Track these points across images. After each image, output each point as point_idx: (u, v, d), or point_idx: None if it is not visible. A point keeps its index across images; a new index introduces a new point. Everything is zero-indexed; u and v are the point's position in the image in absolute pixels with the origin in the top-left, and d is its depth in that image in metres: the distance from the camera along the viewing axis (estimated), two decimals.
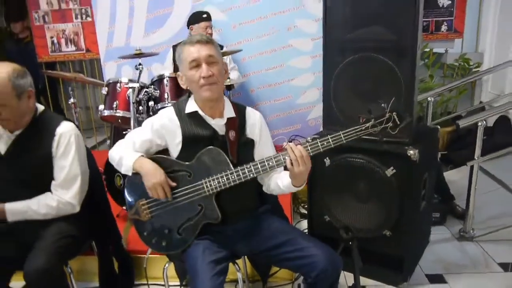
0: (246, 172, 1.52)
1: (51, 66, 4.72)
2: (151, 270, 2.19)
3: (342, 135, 1.45)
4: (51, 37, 4.37)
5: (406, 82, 1.94)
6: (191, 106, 1.63)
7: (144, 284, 2.18)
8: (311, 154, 1.47)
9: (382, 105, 1.46)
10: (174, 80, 2.74)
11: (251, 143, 1.68)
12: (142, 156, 1.62)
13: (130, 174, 1.65)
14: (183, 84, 1.63)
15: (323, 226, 2.27)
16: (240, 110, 1.69)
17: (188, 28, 3.33)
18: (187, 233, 1.62)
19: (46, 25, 4.32)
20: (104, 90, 2.75)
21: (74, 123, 1.85)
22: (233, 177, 1.53)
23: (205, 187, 1.56)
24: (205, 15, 3.21)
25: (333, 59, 2.10)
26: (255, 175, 1.52)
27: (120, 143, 1.72)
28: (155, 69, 3.88)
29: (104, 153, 2.18)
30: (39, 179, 1.73)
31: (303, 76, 3.87)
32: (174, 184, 1.60)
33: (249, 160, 1.59)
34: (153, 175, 1.56)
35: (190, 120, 1.62)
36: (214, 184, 1.55)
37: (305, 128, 3.96)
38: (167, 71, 2.94)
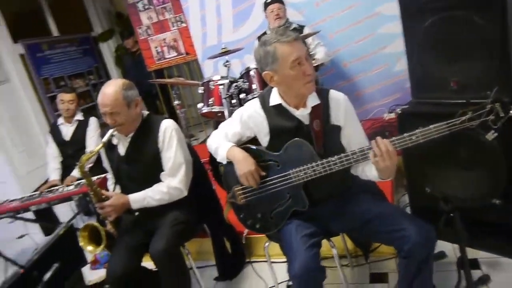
0: (332, 164, 1.56)
1: (160, 72, 5.28)
2: (256, 249, 2.37)
3: (433, 129, 1.40)
4: (155, 47, 4.88)
5: (496, 42, 1.74)
6: (274, 98, 1.68)
7: (249, 262, 2.37)
8: (398, 149, 1.45)
9: (487, 92, 1.33)
10: (259, 71, 2.86)
11: (337, 129, 1.66)
12: (234, 146, 1.77)
13: (225, 162, 1.81)
14: (272, 83, 1.62)
15: (424, 199, 2.18)
16: (323, 95, 1.67)
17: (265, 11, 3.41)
18: (277, 217, 1.73)
19: (149, 37, 4.85)
20: (201, 89, 3.01)
21: (180, 122, 2.11)
22: (318, 169, 1.58)
23: (292, 177, 1.64)
24: (271, 1, 3.27)
25: (413, 21, 1.98)
26: (340, 167, 1.55)
27: (215, 134, 1.89)
28: (247, 60, 4.06)
29: None
30: (152, 173, 2.02)
31: (396, 42, 3.64)
32: (263, 173, 1.71)
33: (337, 147, 1.62)
34: (244, 164, 1.70)
35: (275, 112, 1.68)
36: (301, 175, 1.62)
37: (405, 97, 3.69)
38: (254, 62, 3.08)
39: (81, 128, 3.58)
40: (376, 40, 3.70)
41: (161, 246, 1.85)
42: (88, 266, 2.68)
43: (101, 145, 1.94)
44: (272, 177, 1.70)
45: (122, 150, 2.07)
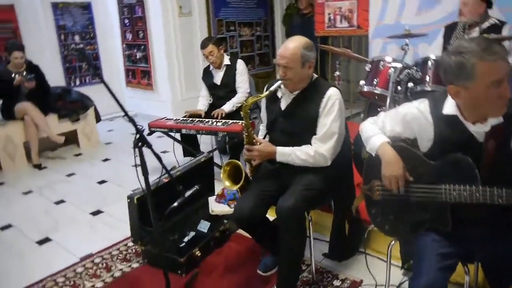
0: (496, 196, 1.37)
1: (324, 40, 5.24)
2: (375, 243, 2.28)
3: None
4: (329, 14, 4.82)
5: None
6: (450, 108, 1.50)
7: (363, 253, 2.31)
8: None
9: None
10: (438, 64, 2.61)
11: None
12: (389, 142, 1.66)
13: (373, 154, 1.73)
14: (456, 98, 1.44)
15: None
16: (509, 113, 1.43)
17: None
18: (411, 227, 1.61)
19: (326, 2, 4.80)
20: (368, 67, 2.89)
21: None
22: (477, 195, 1.41)
23: (443, 193, 1.49)
24: None
25: None
26: (504, 202, 1.35)
27: (372, 120, 1.81)
28: (421, 49, 3.76)
29: (355, 125, 2.35)
30: (306, 133, 2.05)
31: None
32: (411, 179, 1.58)
33: (508, 177, 1.40)
34: (392, 166, 1.60)
35: (446, 121, 1.51)
36: (454, 194, 1.45)
37: None
38: (434, 53, 2.81)
39: (230, 72, 3.80)
40: None
41: (290, 204, 1.89)
42: (214, 197, 2.92)
43: (267, 92, 2.03)
44: (419, 185, 1.56)
45: (283, 104, 2.12)
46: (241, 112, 2.10)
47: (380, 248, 2.33)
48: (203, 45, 3.70)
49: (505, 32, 2.81)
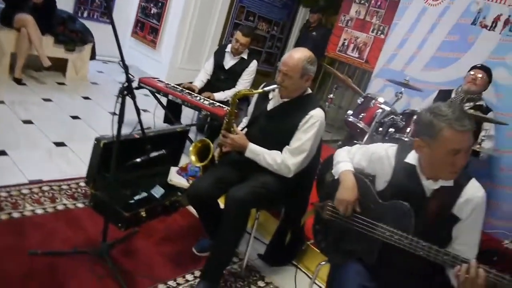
0: (419, 247, 1.48)
1: (330, 62, 5.36)
2: (307, 260, 2.39)
3: None
4: (344, 39, 4.94)
5: None
6: (412, 158, 1.61)
7: (294, 266, 2.42)
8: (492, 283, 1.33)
9: None
10: None
11: (453, 219, 1.54)
12: (352, 172, 1.77)
13: (335, 177, 1.83)
14: (418, 151, 1.55)
15: None
16: (461, 180, 1.53)
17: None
18: (344, 253, 1.72)
19: (346, 28, 4.91)
20: (360, 100, 3.01)
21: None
22: (404, 242, 1.52)
23: (377, 230, 1.60)
24: (479, 65, 3.03)
25: None
26: (423, 255, 1.47)
27: (346, 150, 1.92)
28: (414, 102, 3.92)
29: (330, 150, 2.46)
30: (280, 139, 2.13)
31: None
32: (358, 210, 1.70)
33: (442, 236, 1.53)
34: (347, 192, 1.70)
35: (404, 169, 1.62)
36: (387, 234, 1.57)
37: None
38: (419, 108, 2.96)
39: (241, 65, 3.85)
40: None
41: (240, 195, 1.97)
42: (176, 168, 2.97)
43: (260, 90, 2.12)
44: (362, 217, 1.68)
45: (270, 106, 2.21)
46: (230, 99, 2.17)
47: (310, 266, 2.44)
48: (245, 33, 3.69)
49: (491, 116, 3.02)
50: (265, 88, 2.11)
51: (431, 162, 1.53)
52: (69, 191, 2.58)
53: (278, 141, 2.14)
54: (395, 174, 1.65)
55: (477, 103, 3.03)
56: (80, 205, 2.49)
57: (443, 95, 3.20)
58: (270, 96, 2.22)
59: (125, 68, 1.78)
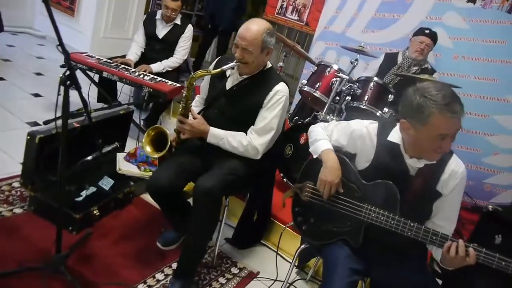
0: (407, 228, 1.48)
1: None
2: (284, 242, 2.34)
3: None
4: (283, 1, 4.76)
5: None
6: (395, 136, 1.56)
7: (263, 245, 2.39)
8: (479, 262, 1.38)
9: None
10: (378, 87, 2.74)
11: (436, 195, 1.55)
12: (333, 150, 1.69)
13: (314, 157, 1.75)
14: (404, 132, 1.50)
15: None
16: (443, 158, 1.52)
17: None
18: (326, 234, 1.68)
19: None
20: (313, 68, 2.91)
21: None
22: (392, 223, 1.51)
23: (363, 212, 1.58)
24: (427, 31, 3.07)
25: None
26: (412, 236, 1.48)
27: (321, 125, 1.83)
28: (358, 66, 3.91)
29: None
30: (244, 120, 1.98)
31: (503, 136, 3.47)
32: (341, 190, 1.64)
33: (425, 212, 1.54)
34: (331, 173, 1.63)
35: (387, 148, 1.57)
36: (373, 216, 1.55)
37: (475, 188, 3.57)
38: (370, 74, 2.95)
39: (176, 32, 3.57)
40: (485, 124, 3.47)
41: (209, 185, 1.81)
42: (124, 154, 2.70)
43: (218, 70, 1.90)
44: (346, 199, 1.64)
45: (229, 84, 2.03)
46: (186, 82, 1.95)
47: (289, 248, 2.39)
48: None
49: (435, 76, 3.10)
50: (223, 67, 1.90)
51: (416, 144, 1.49)
52: (2, 195, 2.22)
53: (241, 122, 1.99)
54: (378, 153, 1.60)
55: (423, 67, 3.09)
56: (18, 210, 2.15)
57: (390, 58, 3.22)
58: (228, 73, 2.03)
59: (65, 53, 1.49)
